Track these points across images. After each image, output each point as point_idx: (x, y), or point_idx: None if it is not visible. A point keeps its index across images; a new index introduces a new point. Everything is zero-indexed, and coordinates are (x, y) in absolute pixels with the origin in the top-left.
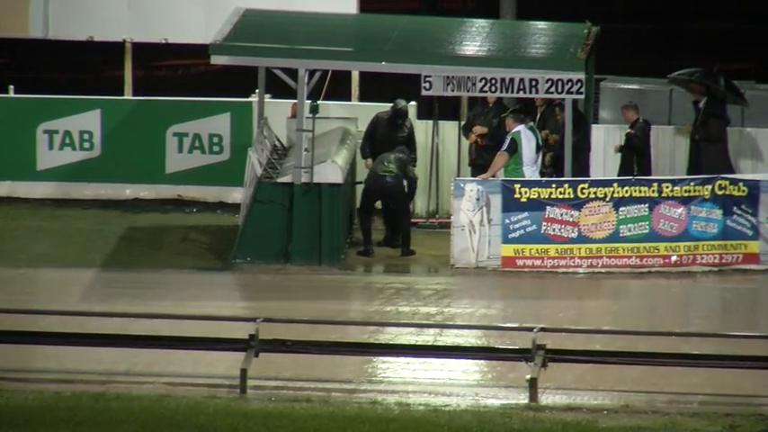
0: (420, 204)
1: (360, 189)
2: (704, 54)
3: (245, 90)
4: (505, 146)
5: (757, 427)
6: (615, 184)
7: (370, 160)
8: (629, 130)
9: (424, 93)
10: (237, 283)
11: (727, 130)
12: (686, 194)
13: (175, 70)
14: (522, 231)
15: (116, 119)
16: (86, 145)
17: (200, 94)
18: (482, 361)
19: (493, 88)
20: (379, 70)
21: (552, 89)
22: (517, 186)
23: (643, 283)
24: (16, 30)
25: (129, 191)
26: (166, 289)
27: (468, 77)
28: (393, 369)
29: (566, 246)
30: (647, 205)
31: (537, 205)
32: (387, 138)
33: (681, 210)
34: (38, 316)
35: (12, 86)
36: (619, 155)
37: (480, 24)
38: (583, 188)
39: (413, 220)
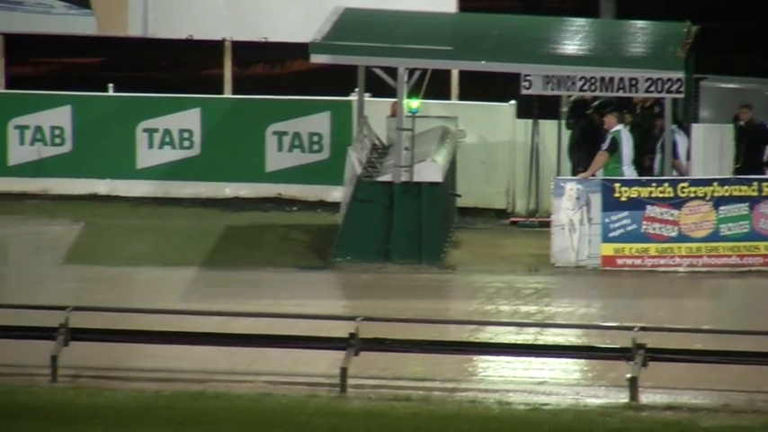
0: (520, 203)
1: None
2: None
3: (342, 89)
4: (606, 145)
5: None
6: (715, 184)
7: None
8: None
9: (523, 92)
10: (337, 282)
11: None
12: None
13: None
14: (622, 230)
15: (216, 117)
16: (186, 143)
17: (299, 93)
18: (582, 360)
19: (593, 87)
20: (478, 69)
21: (652, 88)
22: (617, 185)
23: (743, 282)
24: (116, 28)
25: (228, 189)
26: (266, 288)
27: (568, 76)
28: (493, 368)
29: (666, 245)
30: (747, 204)
31: (637, 204)
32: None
33: None
34: (137, 315)
35: (111, 85)
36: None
37: (580, 23)
38: (683, 187)
39: (513, 219)
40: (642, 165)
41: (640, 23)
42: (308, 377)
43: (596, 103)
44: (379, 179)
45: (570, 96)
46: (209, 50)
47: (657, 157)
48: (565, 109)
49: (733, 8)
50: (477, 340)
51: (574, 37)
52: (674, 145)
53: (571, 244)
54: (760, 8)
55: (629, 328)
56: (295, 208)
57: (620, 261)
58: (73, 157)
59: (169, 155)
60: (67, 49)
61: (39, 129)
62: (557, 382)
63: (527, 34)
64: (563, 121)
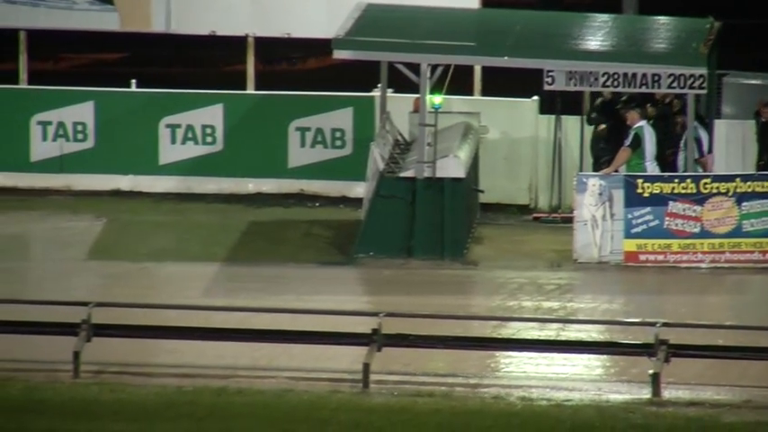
0: (543, 199)
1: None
2: None
3: (365, 85)
4: (628, 141)
5: None
6: (738, 180)
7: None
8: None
9: (546, 88)
10: (360, 278)
11: None
12: None
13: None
14: (644, 226)
15: (238, 113)
16: (209, 139)
17: (321, 89)
18: (604, 356)
19: (615, 83)
20: (501, 65)
21: (674, 84)
22: (640, 181)
23: (766, 278)
24: (139, 24)
25: (251, 185)
26: (288, 283)
27: (591, 72)
28: (516, 364)
29: (688, 241)
30: None
31: (659, 200)
32: None
33: None
34: (160, 310)
35: (134, 81)
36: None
37: (602, 19)
38: (705, 183)
39: (535, 215)
40: (665, 160)
41: (663, 19)
42: (331, 373)
43: (624, 98)
44: (402, 175)
45: (599, 97)
46: (231, 46)
47: (681, 154)
48: (594, 114)
49: (756, 4)
50: (499, 336)
51: (596, 33)
52: (699, 142)
53: (593, 240)
54: None
55: (652, 324)
56: (317, 204)
57: (642, 257)
58: (95, 153)
59: (192, 151)
60: (90, 44)
61: (61, 124)
62: (579, 377)
63: (550, 30)
64: (585, 116)
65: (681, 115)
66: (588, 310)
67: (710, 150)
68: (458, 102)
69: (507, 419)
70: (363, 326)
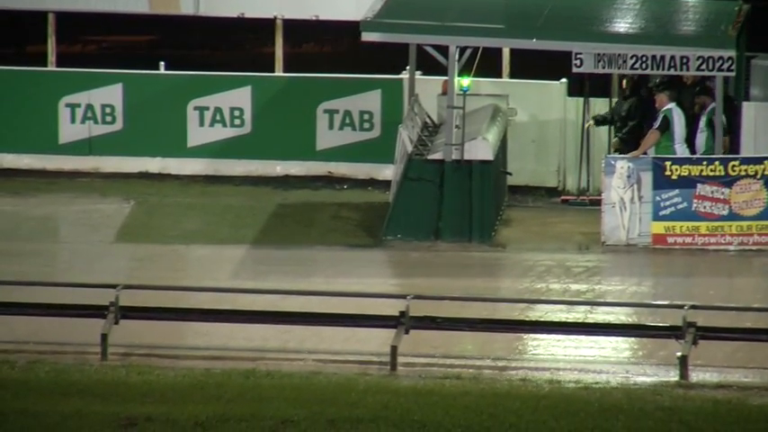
0: (571, 181)
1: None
2: None
3: (393, 67)
4: (657, 123)
5: None
6: (766, 162)
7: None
8: None
9: (575, 70)
10: (388, 260)
11: None
12: None
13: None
14: (672, 209)
15: (267, 96)
16: (237, 122)
17: (350, 71)
18: (632, 338)
19: (644, 65)
20: (530, 47)
21: (703, 66)
22: (668, 164)
23: None
24: (167, 6)
25: (279, 168)
26: (317, 266)
27: (620, 54)
28: (543, 346)
29: (716, 223)
30: None
31: (688, 182)
32: None
33: None
34: (187, 293)
35: (163, 63)
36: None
37: (631, 1)
38: (733, 166)
39: (564, 197)
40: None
41: (691, 2)
42: (359, 355)
43: (657, 80)
44: (430, 157)
45: (626, 96)
46: (260, 29)
47: (701, 135)
48: (624, 111)
49: None
50: (527, 318)
51: (625, 15)
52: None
53: (622, 222)
54: None
55: (680, 307)
56: (345, 186)
57: (670, 239)
58: (124, 136)
59: (220, 133)
60: (119, 27)
61: (90, 107)
62: (607, 360)
63: (578, 12)
64: (614, 100)
65: (700, 96)
66: (616, 293)
67: (726, 134)
68: (486, 84)
69: (535, 402)
70: (391, 308)
